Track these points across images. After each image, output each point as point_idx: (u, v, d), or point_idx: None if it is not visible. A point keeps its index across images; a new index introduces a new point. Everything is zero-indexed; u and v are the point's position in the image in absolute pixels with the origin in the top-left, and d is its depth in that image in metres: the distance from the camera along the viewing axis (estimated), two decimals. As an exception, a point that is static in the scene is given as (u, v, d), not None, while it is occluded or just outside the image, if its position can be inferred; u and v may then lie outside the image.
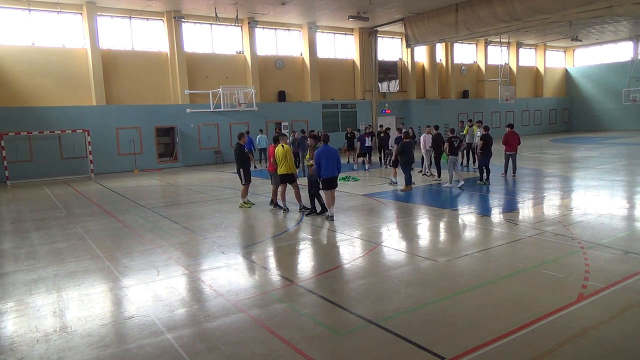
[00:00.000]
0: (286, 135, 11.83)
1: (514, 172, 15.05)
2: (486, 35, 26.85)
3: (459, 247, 7.80)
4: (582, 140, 31.69)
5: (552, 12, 20.32)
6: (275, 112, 27.19)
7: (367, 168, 19.24)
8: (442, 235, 8.99)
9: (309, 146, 10.95)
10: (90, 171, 21.09)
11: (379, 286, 6.06)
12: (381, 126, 21.07)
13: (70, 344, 4.71)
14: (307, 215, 10.55)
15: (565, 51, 43.90)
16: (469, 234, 8.91)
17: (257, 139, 22.44)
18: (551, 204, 11.04)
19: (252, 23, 25.64)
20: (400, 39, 32.14)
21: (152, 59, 23.93)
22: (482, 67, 37.29)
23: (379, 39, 31.13)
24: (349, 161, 21.45)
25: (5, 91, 20.42)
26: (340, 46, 30.45)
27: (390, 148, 17.96)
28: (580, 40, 38.17)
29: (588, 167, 17.31)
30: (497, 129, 32.38)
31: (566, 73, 44.24)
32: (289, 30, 28.05)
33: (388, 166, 18.49)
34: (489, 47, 37.23)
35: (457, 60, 35.74)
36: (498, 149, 15.68)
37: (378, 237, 8.64)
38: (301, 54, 28.55)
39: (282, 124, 27.03)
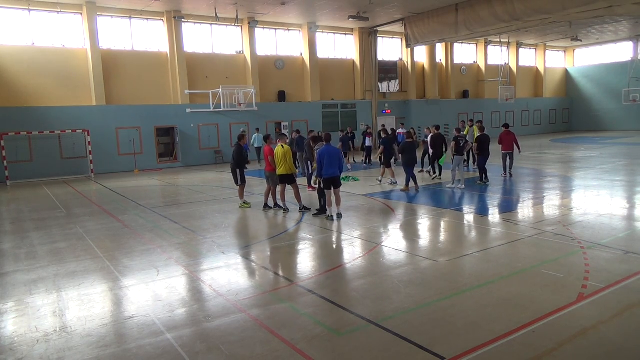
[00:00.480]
0: (286, 135, 11.68)
1: (510, 171, 15.12)
2: (486, 35, 26.85)
3: (459, 247, 7.79)
4: (582, 140, 31.68)
5: (552, 12, 20.32)
6: (275, 112, 27.18)
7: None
8: (442, 235, 8.98)
9: (311, 148, 10.89)
10: (90, 171, 21.09)
11: (379, 286, 6.07)
12: (383, 126, 21.03)
13: (70, 344, 4.71)
14: (314, 215, 10.50)
15: (565, 51, 43.88)
16: (469, 234, 8.92)
17: (253, 138, 22.45)
18: (551, 204, 11.04)
19: (252, 23, 25.64)
20: (400, 39, 32.12)
21: (152, 59, 23.93)
22: (482, 67, 37.26)
23: (379, 39, 31.10)
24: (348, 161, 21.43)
25: (5, 91, 20.42)
26: (340, 46, 30.43)
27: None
28: (580, 40, 38.14)
29: (588, 167, 17.31)
30: (497, 129, 32.26)
31: (566, 73, 44.22)
32: (289, 30, 28.04)
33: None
34: (489, 47, 37.19)
35: (457, 60, 35.71)
36: (496, 149, 15.70)
37: (378, 237, 8.64)
38: (301, 54, 28.54)
39: (282, 124, 27.04)
